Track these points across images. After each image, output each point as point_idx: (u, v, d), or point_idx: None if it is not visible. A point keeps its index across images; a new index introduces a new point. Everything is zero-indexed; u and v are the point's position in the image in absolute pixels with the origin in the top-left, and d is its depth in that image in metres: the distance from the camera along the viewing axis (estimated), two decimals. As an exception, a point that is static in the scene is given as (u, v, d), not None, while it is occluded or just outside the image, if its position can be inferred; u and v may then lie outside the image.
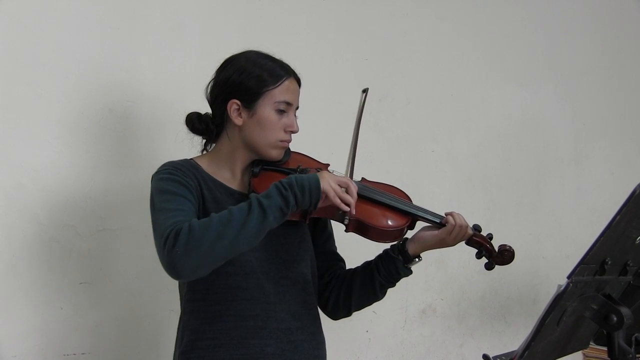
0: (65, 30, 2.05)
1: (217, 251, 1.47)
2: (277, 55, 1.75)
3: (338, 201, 1.56)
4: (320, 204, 1.55)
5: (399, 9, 2.85)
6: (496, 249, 1.75)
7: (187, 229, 1.46)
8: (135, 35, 2.18)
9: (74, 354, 2.02)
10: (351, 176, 1.67)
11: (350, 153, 1.65)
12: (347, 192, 1.58)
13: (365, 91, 1.69)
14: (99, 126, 2.09)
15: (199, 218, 1.56)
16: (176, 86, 2.21)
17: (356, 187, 1.59)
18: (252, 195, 1.53)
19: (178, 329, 1.72)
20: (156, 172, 1.66)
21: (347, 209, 1.57)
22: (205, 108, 1.78)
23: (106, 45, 2.12)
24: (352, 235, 1.70)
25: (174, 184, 1.61)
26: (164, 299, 2.13)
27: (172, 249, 1.46)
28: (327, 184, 1.55)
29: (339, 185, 1.57)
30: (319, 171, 1.76)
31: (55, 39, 2.04)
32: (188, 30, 2.30)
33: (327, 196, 1.55)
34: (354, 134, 1.66)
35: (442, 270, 2.88)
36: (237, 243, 1.48)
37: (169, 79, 2.22)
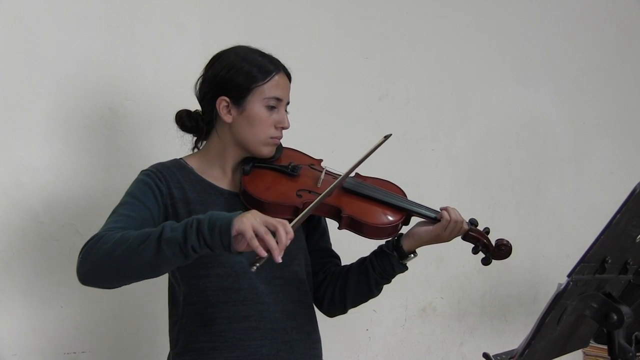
0: (65, 29, 2.05)
1: (108, 270, 1.44)
2: (277, 55, 1.73)
3: (255, 244, 1.35)
4: (239, 246, 1.38)
5: (400, 7, 2.85)
6: (493, 244, 1.74)
7: (97, 238, 1.46)
8: (135, 35, 2.18)
9: (74, 353, 2.02)
10: (331, 194, 1.61)
11: (344, 174, 1.61)
12: (275, 236, 1.37)
13: (387, 137, 1.65)
14: (99, 125, 2.09)
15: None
16: (176, 85, 2.21)
17: (290, 234, 1.38)
18: (165, 223, 1.42)
19: (171, 331, 1.71)
20: (139, 172, 1.67)
21: (263, 254, 1.35)
22: (204, 107, 1.78)
23: (106, 44, 2.12)
24: (347, 231, 1.69)
25: (144, 187, 1.61)
26: (164, 298, 2.12)
27: (79, 254, 1.48)
28: (247, 224, 1.35)
29: (266, 226, 1.37)
30: (315, 168, 1.75)
31: (55, 38, 2.04)
32: (188, 30, 2.29)
33: (243, 237, 1.36)
34: (357, 162, 1.62)
35: (442, 268, 2.87)
36: (128, 269, 1.42)
37: (169, 79, 2.22)
